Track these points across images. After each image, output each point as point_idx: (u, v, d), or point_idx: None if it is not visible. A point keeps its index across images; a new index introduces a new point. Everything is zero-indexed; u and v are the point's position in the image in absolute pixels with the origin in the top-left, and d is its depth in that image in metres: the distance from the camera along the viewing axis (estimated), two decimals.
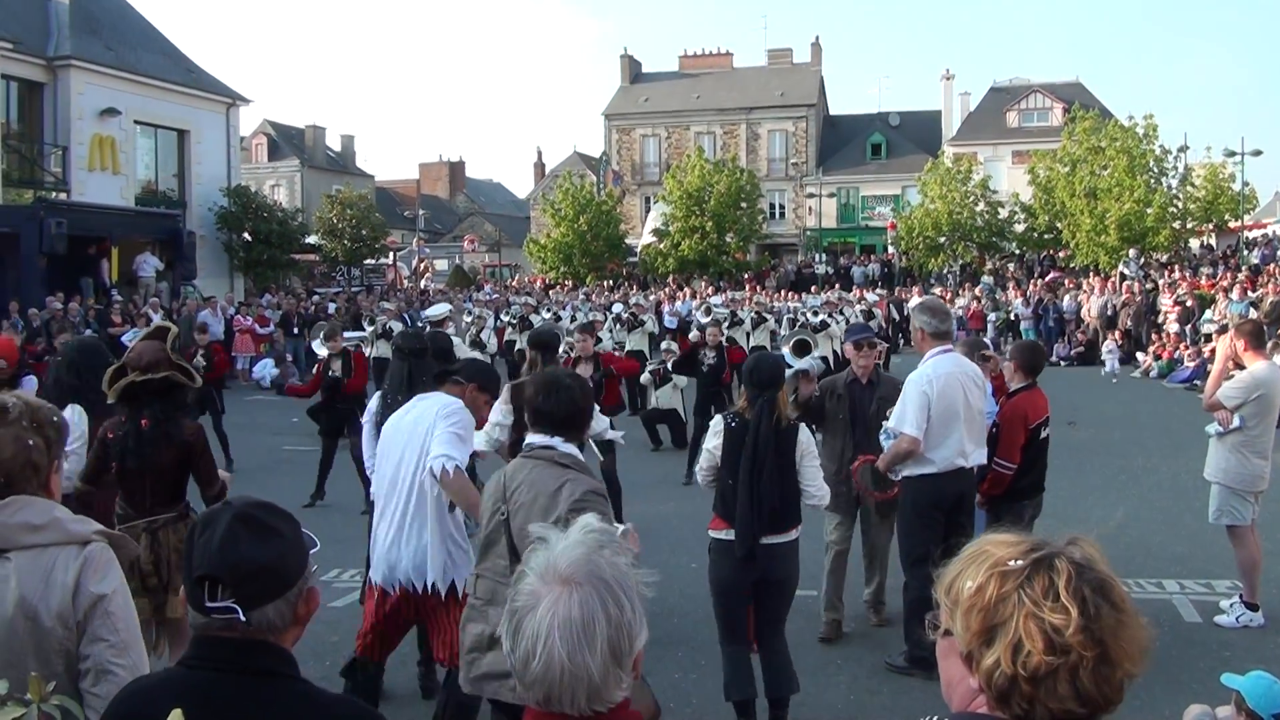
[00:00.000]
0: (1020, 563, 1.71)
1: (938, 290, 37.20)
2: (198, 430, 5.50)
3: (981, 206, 42.10)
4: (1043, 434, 6.97)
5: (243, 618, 2.04)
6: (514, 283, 45.79)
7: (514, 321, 22.71)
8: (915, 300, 28.47)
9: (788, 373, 6.42)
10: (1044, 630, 1.65)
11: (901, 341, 28.58)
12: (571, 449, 4.03)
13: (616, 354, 19.69)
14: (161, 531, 5.20)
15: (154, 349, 5.38)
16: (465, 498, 4.77)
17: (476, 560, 4.11)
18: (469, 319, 22.67)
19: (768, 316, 22.51)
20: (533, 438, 4.06)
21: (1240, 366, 7.54)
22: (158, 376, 5.27)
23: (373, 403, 6.21)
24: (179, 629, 4.94)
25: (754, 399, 5.57)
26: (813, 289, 36.94)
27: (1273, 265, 30.90)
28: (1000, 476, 6.81)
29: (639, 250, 47.02)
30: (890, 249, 45.74)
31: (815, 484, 5.62)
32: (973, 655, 1.71)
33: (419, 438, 4.93)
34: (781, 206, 55.91)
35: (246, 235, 36.49)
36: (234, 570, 2.05)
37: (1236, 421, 7.22)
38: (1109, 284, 31.51)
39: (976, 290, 35.68)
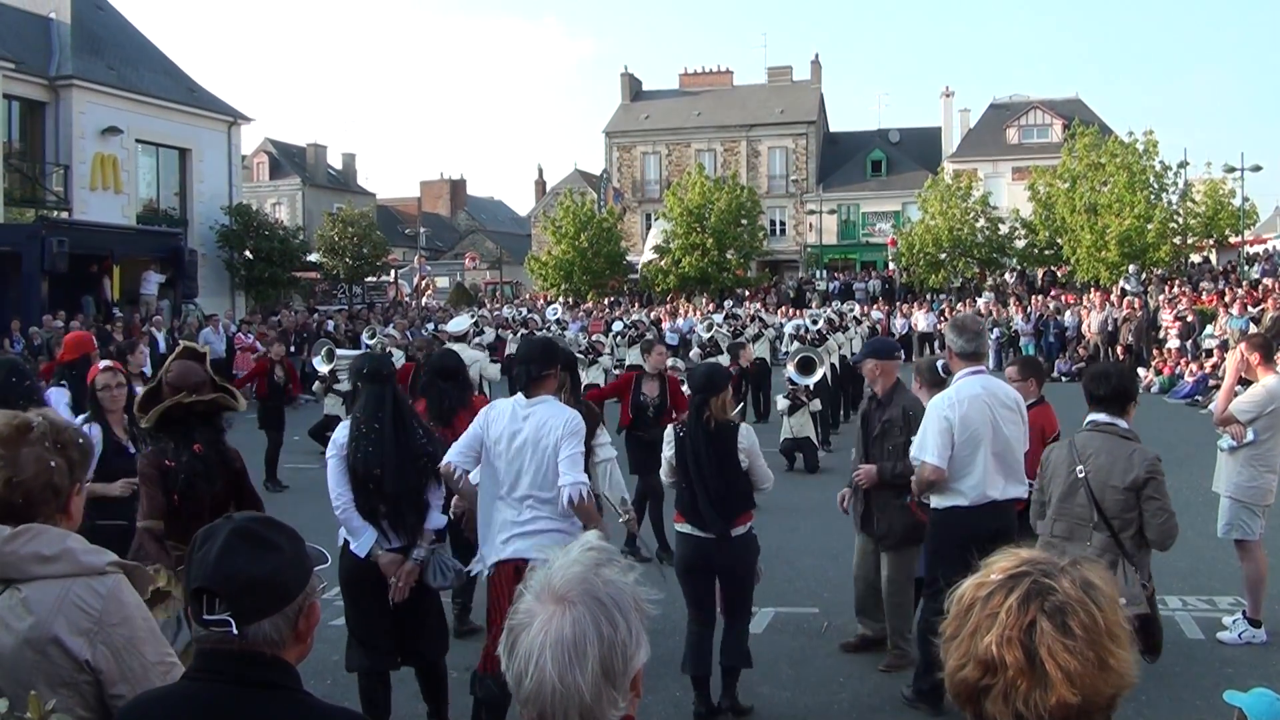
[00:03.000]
0: (997, 578, 1.74)
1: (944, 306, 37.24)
2: (238, 455, 5.24)
3: (982, 223, 42.12)
4: None
5: (235, 631, 2.04)
6: (525, 299, 45.84)
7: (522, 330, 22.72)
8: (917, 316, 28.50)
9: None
10: (980, 648, 1.70)
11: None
12: (1128, 425, 5.48)
13: (618, 370, 19.73)
14: None
15: (196, 370, 5.08)
16: (591, 519, 5.17)
17: (1050, 511, 5.55)
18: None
19: (764, 331, 22.57)
20: (1095, 416, 5.55)
21: (1246, 381, 7.53)
22: (205, 399, 5.00)
23: (340, 433, 5.49)
24: None
25: (689, 402, 6.21)
26: (813, 304, 37.00)
27: (1272, 280, 30.90)
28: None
29: (640, 267, 47.06)
30: (891, 265, 45.77)
31: (759, 474, 6.14)
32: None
33: (544, 448, 5.16)
34: (782, 223, 55.96)
35: (248, 253, 36.57)
36: (229, 583, 2.05)
37: (1250, 435, 7.20)
38: (1109, 298, 31.54)
39: (981, 305, 35.67)
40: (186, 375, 5.02)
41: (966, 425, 5.85)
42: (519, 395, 5.36)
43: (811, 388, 14.33)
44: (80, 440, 2.89)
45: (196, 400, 4.96)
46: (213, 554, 2.07)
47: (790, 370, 14.30)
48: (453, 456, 5.28)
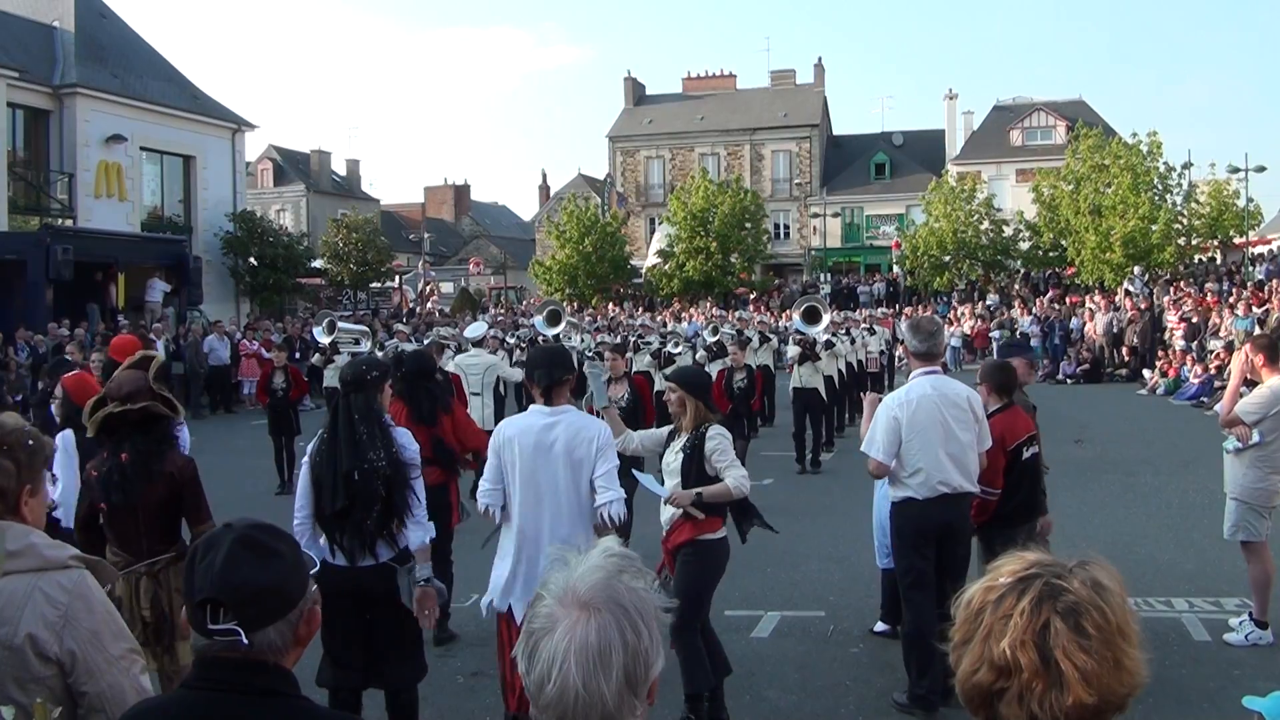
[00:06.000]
0: (1006, 581, 1.75)
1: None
2: (186, 464, 5.05)
3: (986, 225, 42.14)
4: (1026, 454, 6.71)
5: (245, 640, 2.05)
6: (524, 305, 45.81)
7: (523, 345, 22.71)
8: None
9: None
10: (994, 651, 1.70)
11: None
12: None
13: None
14: (162, 574, 4.87)
15: (134, 378, 5.01)
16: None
17: None
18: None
19: (771, 336, 22.57)
20: None
21: (1252, 382, 7.51)
22: (135, 407, 4.91)
23: (312, 445, 5.33)
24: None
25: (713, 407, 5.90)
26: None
27: (1277, 281, 30.82)
28: (984, 503, 6.56)
29: (644, 271, 47.10)
30: (895, 268, 45.78)
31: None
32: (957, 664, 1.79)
33: (576, 463, 5.08)
34: (786, 227, 56.00)
35: (252, 260, 36.63)
36: (236, 593, 2.05)
37: (1256, 437, 7.17)
38: (1114, 300, 31.50)
39: (978, 308, 35.62)
40: (121, 384, 4.98)
41: (915, 423, 6.08)
42: (536, 406, 5.25)
43: (819, 339, 14.41)
44: (30, 442, 2.87)
45: (127, 409, 4.91)
46: (217, 564, 2.06)
47: (795, 319, 14.34)
48: (485, 499, 5.18)
